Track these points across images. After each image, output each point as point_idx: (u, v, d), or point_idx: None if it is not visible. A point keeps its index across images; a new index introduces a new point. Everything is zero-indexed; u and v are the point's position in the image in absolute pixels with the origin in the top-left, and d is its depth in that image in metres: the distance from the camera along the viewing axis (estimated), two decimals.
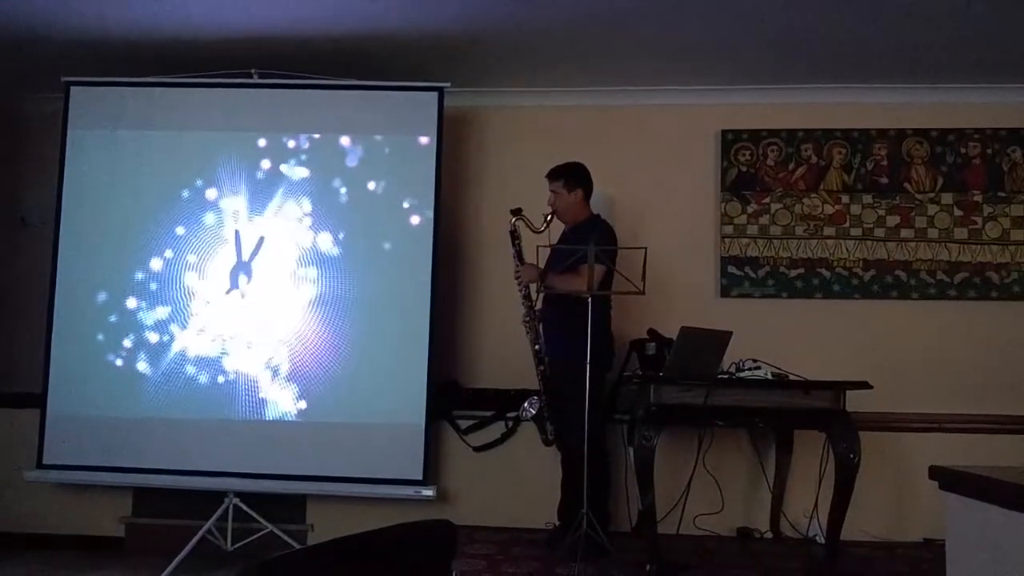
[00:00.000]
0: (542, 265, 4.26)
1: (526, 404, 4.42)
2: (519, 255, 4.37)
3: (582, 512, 3.92)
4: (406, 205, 4.66)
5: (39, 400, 4.66)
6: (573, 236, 4.31)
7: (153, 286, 4.68)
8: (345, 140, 4.72)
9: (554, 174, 4.38)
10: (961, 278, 4.86)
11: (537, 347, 4.37)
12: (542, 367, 4.37)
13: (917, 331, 4.83)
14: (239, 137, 4.75)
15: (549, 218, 4.33)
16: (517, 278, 4.36)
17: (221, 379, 4.63)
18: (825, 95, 4.99)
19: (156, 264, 4.69)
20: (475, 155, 5.16)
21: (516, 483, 4.81)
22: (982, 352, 4.79)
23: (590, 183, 4.41)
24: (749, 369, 4.10)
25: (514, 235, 4.37)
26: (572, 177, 4.37)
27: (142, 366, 4.65)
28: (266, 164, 4.72)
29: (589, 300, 3.98)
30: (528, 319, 4.37)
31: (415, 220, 4.65)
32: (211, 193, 4.72)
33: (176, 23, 4.29)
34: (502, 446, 4.89)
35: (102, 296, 4.69)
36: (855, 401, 4.03)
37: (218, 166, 4.73)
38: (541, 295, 4.36)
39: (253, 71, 4.70)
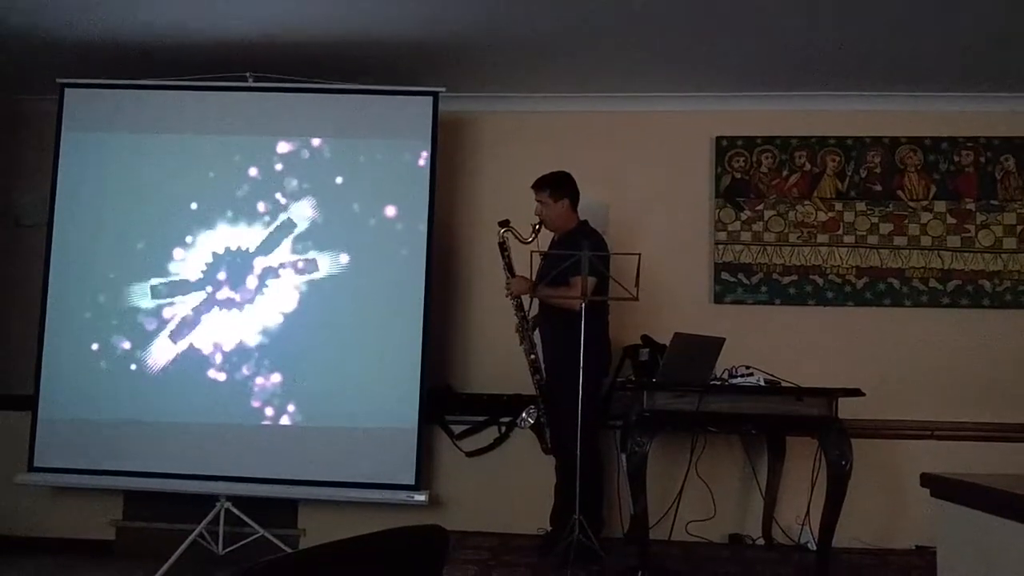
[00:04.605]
0: (535, 272, 4.25)
1: (524, 414, 4.40)
2: (509, 267, 4.36)
3: (574, 518, 3.92)
4: (400, 209, 4.66)
5: (30, 402, 4.64)
6: (562, 245, 4.30)
7: (145, 289, 4.66)
8: (340, 144, 4.71)
9: (539, 184, 4.35)
10: (954, 286, 4.88)
11: (532, 356, 4.36)
12: (538, 376, 4.37)
13: (910, 339, 4.84)
14: (234, 140, 4.73)
15: (537, 228, 4.33)
16: (508, 290, 4.36)
17: (213, 382, 4.61)
18: (819, 103, 5.01)
19: (149, 267, 4.68)
20: (470, 159, 5.16)
21: (508, 488, 4.80)
22: (974, 360, 4.80)
23: (576, 191, 4.38)
24: (742, 375, 4.10)
25: (503, 247, 4.36)
26: (557, 187, 4.33)
27: (134, 369, 4.63)
28: (260, 167, 4.70)
29: (583, 310, 3.98)
30: (521, 329, 4.37)
31: (409, 224, 4.64)
32: (204, 196, 4.70)
33: (171, 26, 4.28)
34: (495, 451, 4.88)
35: (94, 298, 4.67)
36: (847, 408, 4.03)
37: (212, 169, 4.72)
38: (534, 303, 4.35)
39: (248, 74, 4.71)
